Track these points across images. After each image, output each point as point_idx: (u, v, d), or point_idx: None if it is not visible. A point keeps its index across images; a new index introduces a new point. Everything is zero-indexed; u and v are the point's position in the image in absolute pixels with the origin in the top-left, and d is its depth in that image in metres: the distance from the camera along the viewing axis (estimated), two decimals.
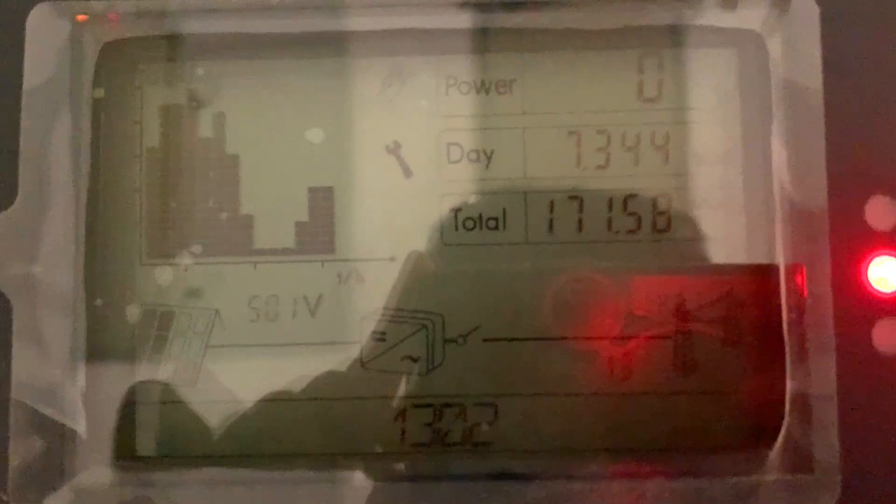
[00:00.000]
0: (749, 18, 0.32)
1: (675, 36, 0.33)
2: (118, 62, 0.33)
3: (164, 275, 0.32)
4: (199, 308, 0.32)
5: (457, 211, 0.33)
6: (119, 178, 0.32)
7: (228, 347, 0.32)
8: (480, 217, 0.32)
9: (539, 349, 0.32)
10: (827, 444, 0.29)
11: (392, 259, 0.32)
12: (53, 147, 0.31)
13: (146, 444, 0.32)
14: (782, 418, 0.30)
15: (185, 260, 0.33)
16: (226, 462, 0.32)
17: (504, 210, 0.32)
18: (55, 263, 0.30)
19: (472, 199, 0.33)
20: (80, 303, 0.31)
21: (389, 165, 0.33)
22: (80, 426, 0.31)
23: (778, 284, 0.31)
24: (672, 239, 0.32)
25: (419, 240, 0.32)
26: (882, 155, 0.29)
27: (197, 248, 0.33)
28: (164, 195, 0.33)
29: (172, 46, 0.33)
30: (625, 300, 0.32)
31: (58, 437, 0.30)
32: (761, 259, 0.32)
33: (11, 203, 0.30)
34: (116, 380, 0.32)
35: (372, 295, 0.32)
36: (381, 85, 0.33)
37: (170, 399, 0.32)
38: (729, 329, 0.32)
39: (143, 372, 0.32)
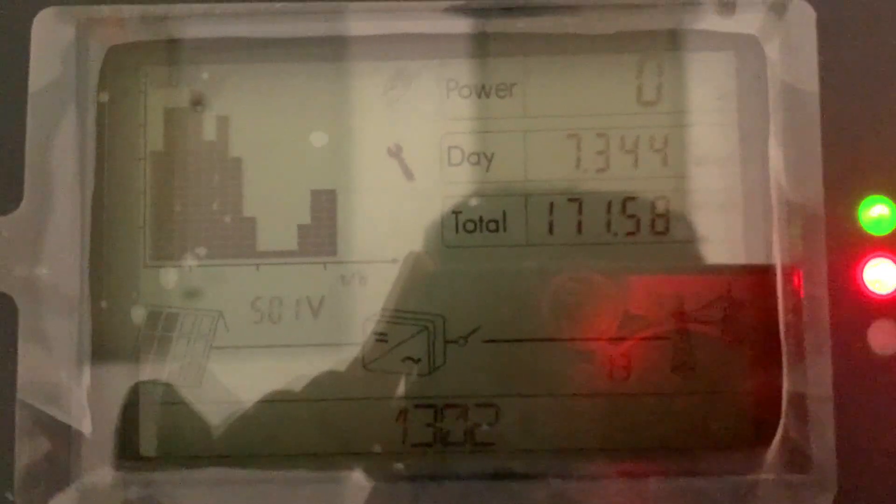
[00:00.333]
0: (747, 23, 0.32)
1: (673, 40, 0.33)
2: (123, 66, 0.33)
3: (168, 277, 0.33)
4: (202, 309, 0.33)
5: (458, 213, 0.33)
6: (123, 180, 0.33)
7: (232, 349, 0.32)
8: (481, 219, 0.33)
9: (539, 350, 0.32)
10: (823, 444, 0.29)
11: (394, 261, 0.32)
12: (58, 150, 0.31)
13: (151, 444, 0.32)
14: (779, 418, 0.31)
15: (189, 262, 0.33)
16: (231, 462, 0.32)
17: (504, 212, 0.33)
18: (60, 265, 0.31)
19: (472, 202, 0.33)
20: (85, 304, 0.31)
21: (391, 168, 0.33)
22: (86, 427, 0.31)
23: (775, 286, 0.31)
24: (670, 241, 0.32)
25: (420, 242, 0.33)
26: (878, 157, 0.30)
27: (201, 251, 0.33)
28: (168, 198, 0.33)
29: (176, 50, 0.33)
30: (623, 301, 0.32)
31: (63, 438, 0.31)
32: (758, 261, 0.32)
33: (17, 206, 0.30)
34: (122, 381, 0.32)
35: (374, 296, 0.32)
36: (384, 89, 0.33)
37: (174, 400, 0.32)
38: (727, 330, 0.32)
39: (148, 373, 0.32)
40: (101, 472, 0.31)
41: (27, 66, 0.30)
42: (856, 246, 0.29)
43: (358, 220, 0.33)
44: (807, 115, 0.30)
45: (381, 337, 0.32)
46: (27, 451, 0.30)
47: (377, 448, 0.32)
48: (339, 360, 0.32)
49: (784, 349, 0.31)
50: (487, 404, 0.32)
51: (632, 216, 0.33)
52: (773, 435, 0.31)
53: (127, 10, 0.31)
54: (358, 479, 0.31)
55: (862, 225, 0.30)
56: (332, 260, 0.33)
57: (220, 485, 0.31)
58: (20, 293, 0.30)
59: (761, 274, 0.32)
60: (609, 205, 0.33)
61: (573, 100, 0.33)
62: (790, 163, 0.31)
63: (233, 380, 0.32)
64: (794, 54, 0.30)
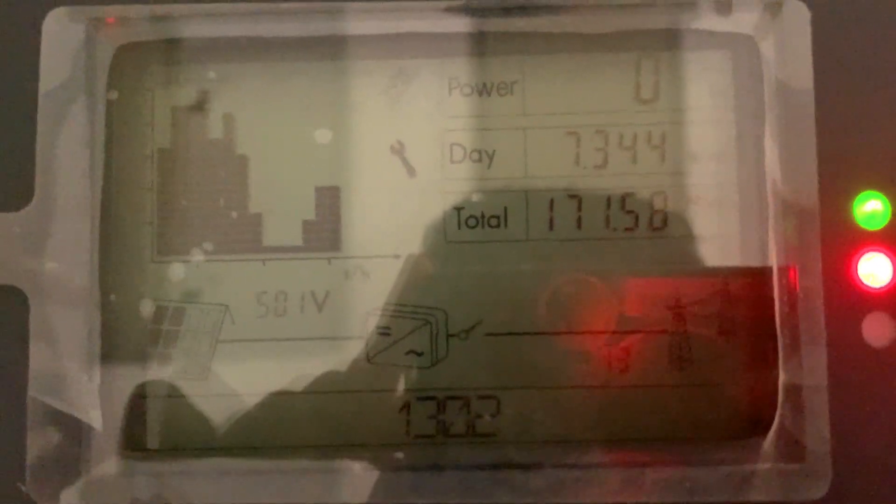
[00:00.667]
0: (743, 22, 0.32)
1: (671, 39, 0.33)
2: (131, 65, 0.33)
3: (175, 271, 0.33)
4: (209, 304, 0.33)
5: (459, 209, 0.33)
6: (132, 177, 0.33)
7: (238, 342, 0.33)
8: (482, 215, 0.33)
9: (539, 344, 0.32)
10: (818, 434, 0.29)
11: (396, 256, 0.33)
12: (68, 147, 0.31)
13: (159, 436, 0.33)
14: (775, 409, 0.31)
15: (197, 257, 0.33)
16: (236, 454, 0.32)
17: (505, 208, 0.33)
18: (70, 261, 0.31)
19: (474, 198, 0.33)
20: (94, 299, 0.31)
21: (394, 165, 0.33)
22: (96, 420, 0.31)
23: (771, 280, 0.31)
24: (668, 236, 0.33)
25: (423, 237, 0.33)
26: (871, 154, 0.30)
27: (208, 246, 0.33)
28: (175, 194, 0.33)
29: (184, 50, 0.33)
30: (622, 296, 0.32)
31: (74, 431, 0.31)
32: (754, 255, 0.32)
33: (28, 202, 0.30)
34: (131, 374, 0.32)
35: (377, 291, 0.33)
36: (386, 87, 0.33)
37: (181, 393, 0.33)
38: (723, 323, 0.32)
39: (156, 366, 0.33)
40: (111, 465, 0.32)
41: (38, 66, 0.31)
42: (850, 240, 0.30)
43: (361, 216, 0.33)
44: (801, 113, 0.30)
45: (384, 331, 0.33)
46: (38, 444, 0.30)
47: (380, 439, 0.32)
48: (343, 353, 0.33)
49: (780, 342, 0.31)
50: (489, 396, 0.33)
51: (630, 212, 0.33)
52: (769, 426, 0.31)
53: (135, 11, 0.31)
54: (361, 470, 0.31)
55: (856, 220, 0.30)
56: (336, 255, 0.33)
57: (226, 476, 0.31)
58: (31, 288, 0.30)
59: (757, 268, 0.32)
60: (608, 201, 0.33)
61: (572, 98, 0.33)
62: (785, 159, 0.31)
63: (238, 373, 0.33)
64: (788, 53, 0.31)
